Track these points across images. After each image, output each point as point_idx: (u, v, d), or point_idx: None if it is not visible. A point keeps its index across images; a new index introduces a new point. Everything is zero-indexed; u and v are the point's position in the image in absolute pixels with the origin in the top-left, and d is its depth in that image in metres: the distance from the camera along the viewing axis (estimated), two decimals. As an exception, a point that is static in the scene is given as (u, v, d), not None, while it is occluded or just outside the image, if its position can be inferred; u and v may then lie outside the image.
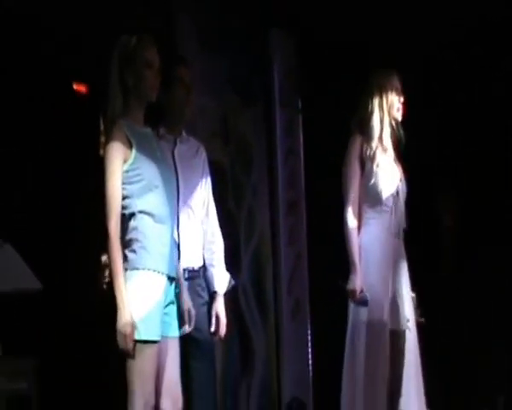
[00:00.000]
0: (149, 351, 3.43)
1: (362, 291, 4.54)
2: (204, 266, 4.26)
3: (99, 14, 5.28)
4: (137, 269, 3.48)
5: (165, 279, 3.53)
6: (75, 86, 5.90)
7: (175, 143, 4.21)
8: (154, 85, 3.65)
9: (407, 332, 4.61)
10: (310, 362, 6.33)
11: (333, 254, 6.16)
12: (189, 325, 3.74)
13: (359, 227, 4.61)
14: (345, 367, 4.63)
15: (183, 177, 4.11)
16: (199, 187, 4.26)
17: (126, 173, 3.52)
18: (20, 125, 5.54)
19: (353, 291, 4.56)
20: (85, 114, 5.82)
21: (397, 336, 4.57)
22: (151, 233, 3.51)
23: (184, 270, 4.02)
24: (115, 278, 3.46)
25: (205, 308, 4.20)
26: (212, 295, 4.26)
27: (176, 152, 4.18)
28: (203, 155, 4.34)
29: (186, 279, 4.03)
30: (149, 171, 3.55)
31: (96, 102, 5.70)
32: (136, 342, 3.41)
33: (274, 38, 6.33)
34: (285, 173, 6.33)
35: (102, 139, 6.12)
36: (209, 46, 5.75)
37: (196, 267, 4.20)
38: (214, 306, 4.24)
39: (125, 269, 3.48)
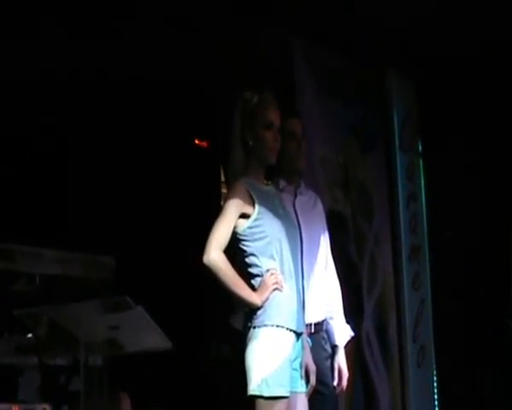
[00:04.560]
0: (280, 406, 3.41)
1: None
2: (325, 319, 4.22)
3: (219, 69, 5.39)
4: (266, 326, 3.47)
5: (292, 335, 3.52)
6: (196, 141, 6.02)
7: (295, 195, 4.20)
8: (274, 147, 3.65)
9: None
10: (436, 409, 6.22)
11: (457, 298, 6.15)
12: (310, 380, 3.67)
13: None
14: None
15: (305, 228, 4.08)
16: (320, 239, 4.25)
17: (250, 230, 3.53)
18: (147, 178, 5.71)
19: None
20: (206, 166, 5.94)
21: None
22: (280, 291, 3.51)
23: (309, 324, 4.00)
24: (239, 290, 3.46)
25: (328, 362, 4.17)
26: (333, 348, 4.23)
27: (297, 203, 4.16)
28: (320, 206, 4.33)
29: (312, 334, 4.02)
30: (273, 227, 3.55)
31: (215, 156, 5.83)
32: (268, 398, 3.39)
33: (392, 81, 6.29)
34: (407, 218, 6.26)
35: (224, 190, 6.25)
36: (327, 93, 5.76)
37: (320, 321, 4.17)
38: (336, 359, 4.20)
39: (254, 327, 3.49)
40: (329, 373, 4.16)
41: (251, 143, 3.61)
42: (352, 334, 4.36)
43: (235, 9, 5.12)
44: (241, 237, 3.56)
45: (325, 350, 4.16)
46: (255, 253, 3.55)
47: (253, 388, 3.42)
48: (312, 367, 3.71)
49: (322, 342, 4.16)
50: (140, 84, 5.55)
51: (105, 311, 4.06)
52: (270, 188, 3.74)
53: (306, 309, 3.90)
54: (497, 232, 6.12)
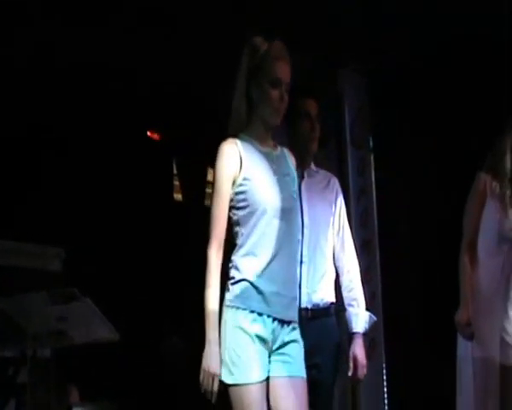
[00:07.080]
0: (248, 395, 3.06)
1: (469, 325, 4.47)
2: (335, 304, 3.99)
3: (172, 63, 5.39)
4: (237, 308, 3.11)
5: (270, 321, 3.13)
6: (149, 133, 6.02)
7: (302, 177, 3.98)
8: (279, 108, 3.21)
9: None
10: (385, 402, 6.27)
11: (406, 292, 6.21)
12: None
13: (473, 263, 4.42)
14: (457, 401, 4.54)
15: (310, 211, 3.92)
16: (329, 221, 4.04)
17: (236, 196, 3.17)
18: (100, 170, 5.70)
19: (459, 323, 4.49)
20: (158, 158, 5.94)
21: (508, 372, 4.42)
22: (257, 269, 3.14)
23: (306, 309, 3.82)
24: (209, 313, 3.07)
25: (333, 350, 3.94)
26: (351, 335, 3.99)
27: (303, 186, 3.96)
28: (335, 187, 4.10)
29: (309, 319, 3.81)
30: (258, 196, 3.16)
31: (167, 148, 5.82)
32: (233, 385, 3.08)
33: (344, 79, 6.34)
34: (358, 213, 6.33)
35: (176, 182, 6.24)
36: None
37: (323, 306, 3.94)
38: (352, 347, 3.95)
39: (225, 305, 3.15)
40: (331, 362, 3.93)
41: (255, 98, 3.20)
42: (375, 319, 4.11)
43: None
44: (230, 204, 3.20)
45: (330, 337, 3.94)
46: (237, 223, 3.18)
47: (221, 373, 3.10)
48: None
49: (328, 329, 3.94)
50: (99, 75, 5.55)
51: (53, 302, 4.05)
52: (270, 151, 3.29)
53: (304, 293, 3.81)
54: (447, 227, 6.18)
